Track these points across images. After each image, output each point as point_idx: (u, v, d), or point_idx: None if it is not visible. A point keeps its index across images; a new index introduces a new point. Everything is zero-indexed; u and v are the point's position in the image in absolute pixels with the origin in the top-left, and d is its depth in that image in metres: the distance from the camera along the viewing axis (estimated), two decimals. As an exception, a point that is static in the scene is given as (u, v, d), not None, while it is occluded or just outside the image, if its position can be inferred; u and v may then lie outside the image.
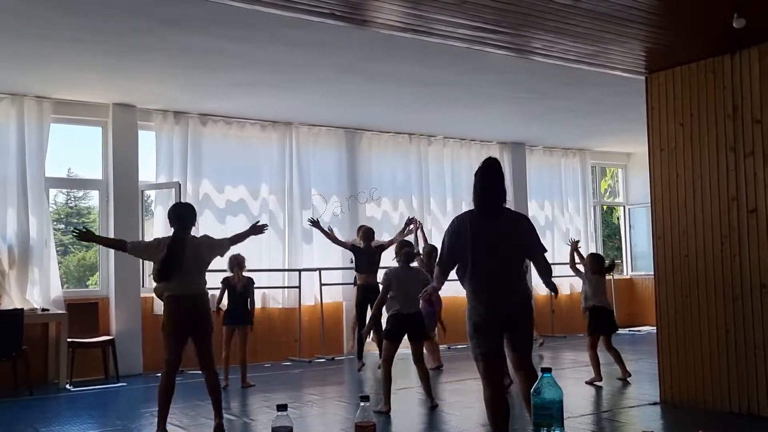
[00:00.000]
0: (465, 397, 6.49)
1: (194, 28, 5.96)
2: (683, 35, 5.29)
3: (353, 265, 8.36)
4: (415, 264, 6.39)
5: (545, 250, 4.30)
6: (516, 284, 4.10)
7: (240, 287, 7.26)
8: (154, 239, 5.16)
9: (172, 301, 4.87)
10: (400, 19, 4.88)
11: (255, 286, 7.58)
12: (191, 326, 4.89)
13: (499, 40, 5.32)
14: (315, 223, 8.19)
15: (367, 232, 8.23)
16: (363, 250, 8.10)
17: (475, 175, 4.25)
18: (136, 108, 8.52)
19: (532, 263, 4.30)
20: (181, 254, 4.83)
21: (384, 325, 6.27)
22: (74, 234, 4.97)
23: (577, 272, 7.36)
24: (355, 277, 8.32)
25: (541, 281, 4.35)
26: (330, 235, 8.45)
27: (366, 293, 7.85)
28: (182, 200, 8.68)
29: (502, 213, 4.17)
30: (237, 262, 7.33)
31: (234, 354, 7.29)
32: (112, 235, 8.33)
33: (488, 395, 4.02)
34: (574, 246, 7.59)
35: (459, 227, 4.11)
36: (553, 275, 4.33)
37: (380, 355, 6.98)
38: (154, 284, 5.15)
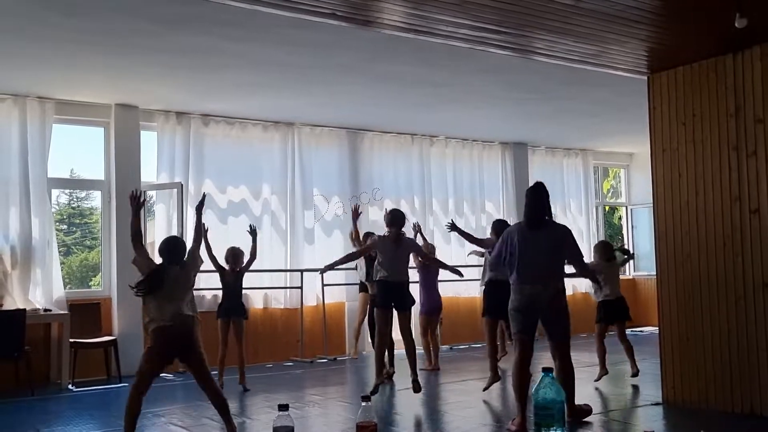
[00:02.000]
0: (466, 397, 6.48)
1: (196, 28, 5.96)
2: (685, 35, 5.28)
3: (358, 270, 8.28)
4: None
5: (581, 256, 5.34)
6: (549, 283, 5.04)
7: (233, 279, 7.20)
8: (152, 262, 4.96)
9: (159, 333, 4.70)
10: (402, 20, 4.88)
11: (257, 287, 7.56)
12: (179, 354, 4.79)
13: (501, 40, 5.32)
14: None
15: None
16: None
17: (525, 194, 5.34)
18: (139, 108, 8.52)
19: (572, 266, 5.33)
20: (161, 284, 4.71)
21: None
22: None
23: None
24: (362, 283, 8.18)
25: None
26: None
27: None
28: (184, 201, 8.69)
29: (545, 225, 5.20)
30: (232, 255, 7.26)
31: (232, 356, 7.23)
32: (114, 236, 8.37)
33: (515, 362, 5.13)
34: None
35: (508, 235, 5.25)
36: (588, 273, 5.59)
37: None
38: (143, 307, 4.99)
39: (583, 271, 5.47)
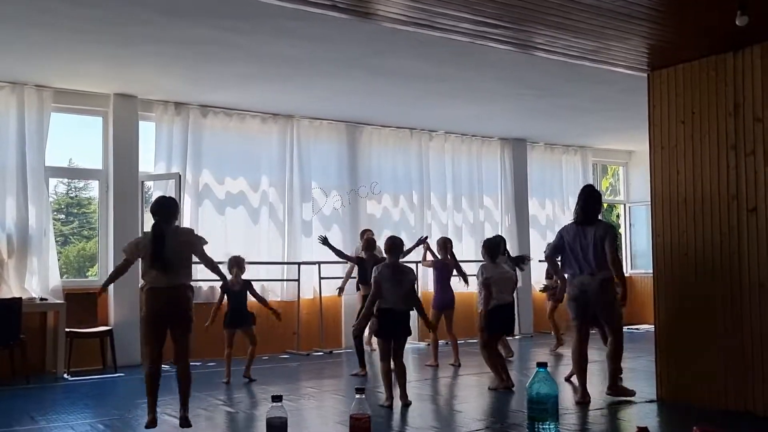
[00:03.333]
0: (463, 392, 6.49)
1: (196, 19, 5.95)
2: (686, 32, 5.27)
3: (356, 275, 8.27)
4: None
5: (614, 251, 5.78)
6: (596, 273, 5.75)
7: (238, 288, 7.14)
8: (139, 237, 5.09)
9: (151, 293, 4.81)
10: (403, 12, 4.87)
11: (254, 279, 7.54)
12: (169, 318, 4.84)
13: (501, 34, 5.31)
14: (324, 241, 7.74)
15: (369, 242, 8.00)
16: (367, 260, 7.68)
17: (578, 195, 6.05)
18: (137, 98, 8.51)
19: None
20: (162, 247, 4.78)
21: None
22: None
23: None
24: (357, 285, 8.03)
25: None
26: (339, 252, 7.99)
27: None
28: (182, 191, 8.69)
29: (592, 223, 5.87)
30: (236, 263, 7.22)
31: (240, 349, 7.25)
32: (111, 227, 8.36)
33: (573, 347, 5.95)
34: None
35: (563, 232, 6.04)
36: (620, 269, 5.85)
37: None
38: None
39: (612, 264, 5.81)
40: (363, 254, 7.84)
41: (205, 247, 5.13)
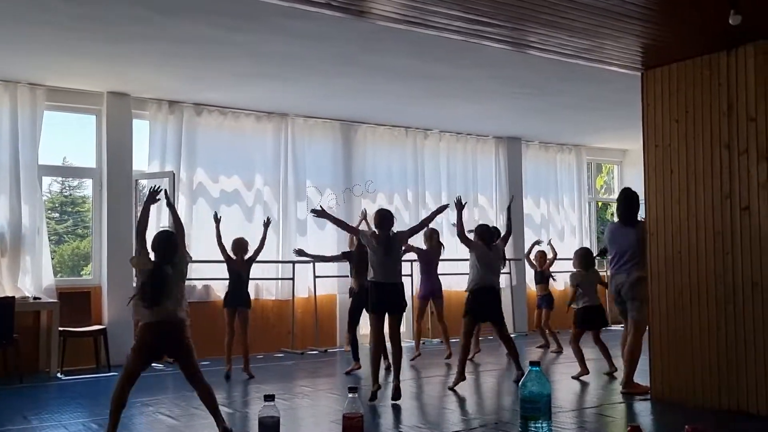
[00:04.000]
0: (458, 389, 6.50)
1: (191, 17, 5.93)
2: (679, 31, 5.27)
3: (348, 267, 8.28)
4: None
5: (642, 245, 6.07)
6: (629, 269, 6.22)
7: (240, 269, 7.33)
8: (144, 259, 4.77)
9: (147, 329, 4.63)
10: (396, 11, 4.86)
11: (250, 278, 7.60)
12: (169, 352, 4.78)
13: (495, 33, 5.30)
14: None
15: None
16: (354, 253, 7.59)
17: (618, 198, 6.61)
18: (131, 97, 8.48)
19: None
20: (161, 291, 4.61)
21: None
22: None
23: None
24: (351, 288, 7.88)
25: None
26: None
27: (360, 299, 7.24)
28: (176, 190, 8.67)
29: (631, 223, 6.35)
30: (238, 245, 7.40)
31: (237, 345, 7.28)
32: (105, 225, 8.33)
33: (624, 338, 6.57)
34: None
35: (607, 230, 6.72)
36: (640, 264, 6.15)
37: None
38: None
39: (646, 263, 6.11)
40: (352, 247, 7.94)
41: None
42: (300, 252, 7.80)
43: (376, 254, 5.83)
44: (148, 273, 4.64)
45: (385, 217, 6.01)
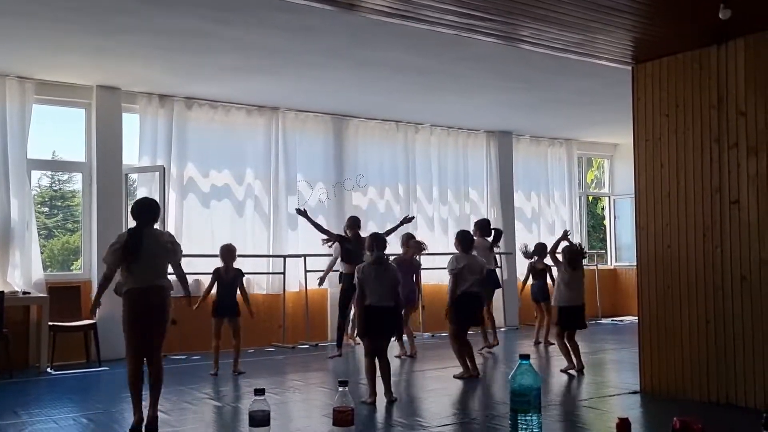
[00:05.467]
0: (445, 384, 6.52)
1: (181, 10, 5.90)
2: (670, 25, 5.29)
3: (338, 254, 8.35)
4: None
5: None
6: None
7: (229, 278, 7.14)
8: (114, 241, 4.93)
9: (129, 295, 4.78)
10: (387, 4, 4.85)
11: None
12: (147, 318, 4.79)
13: (487, 27, 5.30)
14: (302, 213, 7.96)
15: (353, 221, 8.24)
16: (351, 239, 8.07)
17: None
18: (121, 90, 8.43)
19: None
20: (137, 249, 4.74)
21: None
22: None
23: (556, 262, 7.30)
24: (340, 273, 8.29)
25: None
26: (318, 226, 8.39)
27: (352, 281, 7.45)
28: (166, 184, 8.64)
29: None
30: (228, 252, 7.20)
31: (228, 341, 7.24)
32: (94, 220, 8.29)
33: None
34: (565, 236, 7.56)
35: None
36: None
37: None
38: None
39: None
40: (347, 233, 8.00)
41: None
42: (302, 212, 7.79)
43: (369, 279, 5.73)
44: (126, 235, 4.82)
45: (377, 241, 5.92)
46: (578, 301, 7.04)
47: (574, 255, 7.12)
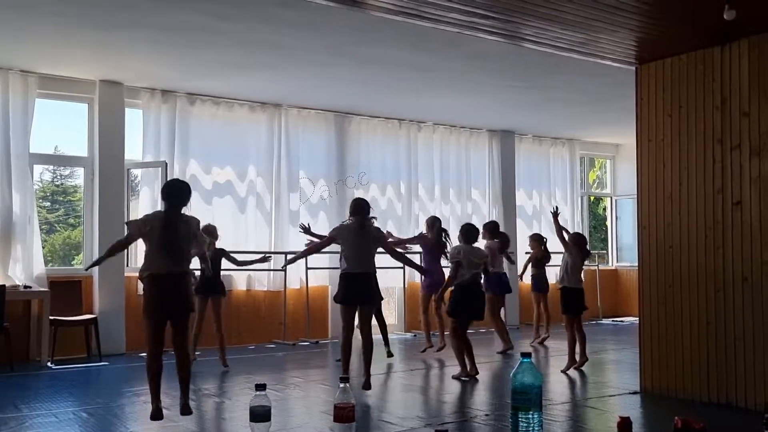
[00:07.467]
0: (448, 383, 6.52)
1: (185, 5, 5.89)
2: (674, 26, 5.28)
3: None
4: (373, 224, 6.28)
5: None
6: None
7: (210, 256, 7.15)
8: (146, 216, 4.95)
9: (153, 281, 4.71)
10: (391, 1, 4.84)
11: (242, 269, 7.55)
12: (171, 305, 4.75)
13: (490, 25, 5.30)
14: (307, 230, 7.68)
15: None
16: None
17: None
18: (124, 85, 8.43)
19: None
20: (176, 233, 4.70)
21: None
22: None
23: (564, 243, 7.32)
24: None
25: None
26: (320, 242, 7.96)
27: None
28: (168, 180, 8.63)
29: None
30: (207, 232, 7.18)
31: (208, 330, 7.24)
32: (96, 215, 8.30)
33: None
34: (556, 214, 7.54)
35: None
36: None
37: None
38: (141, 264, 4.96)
39: None
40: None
41: None
42: (306, 230, 7.64)
43: (349, 242, 5.65)
44: (159, 222, 4.70)
45: (359, 205, 5.86)
46: (580, 285, 7.19)
47: (584, 243, 7.46)
